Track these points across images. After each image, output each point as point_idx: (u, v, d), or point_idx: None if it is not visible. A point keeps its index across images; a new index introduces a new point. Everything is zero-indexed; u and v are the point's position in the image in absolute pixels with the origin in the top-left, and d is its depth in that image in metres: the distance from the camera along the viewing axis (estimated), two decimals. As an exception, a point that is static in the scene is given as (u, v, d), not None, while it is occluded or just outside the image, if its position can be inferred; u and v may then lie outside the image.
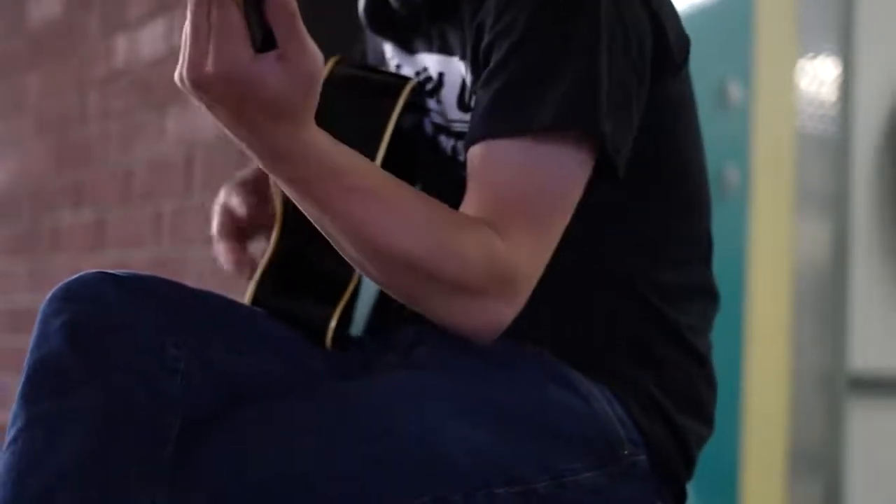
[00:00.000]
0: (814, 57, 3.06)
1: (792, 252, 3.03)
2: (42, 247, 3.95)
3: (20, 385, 1.24)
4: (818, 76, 3.06)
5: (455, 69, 1.46)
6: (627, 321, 1.44)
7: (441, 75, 1.48)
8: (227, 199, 1.56)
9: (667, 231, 1.47)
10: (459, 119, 1.46)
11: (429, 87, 1.51)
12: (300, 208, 1.28)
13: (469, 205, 1.33)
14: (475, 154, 1.35)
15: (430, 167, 1.52)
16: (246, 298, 1.48)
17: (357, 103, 1.48)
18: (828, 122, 3.07)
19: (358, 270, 1.38)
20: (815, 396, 3.03)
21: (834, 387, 3.06)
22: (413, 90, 1.48)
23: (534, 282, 1.33)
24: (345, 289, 1.44)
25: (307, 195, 1.26)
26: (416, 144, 1.52)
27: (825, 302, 3.07)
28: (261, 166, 1.25)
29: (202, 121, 3.01)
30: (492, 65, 1.36)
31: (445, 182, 1.47)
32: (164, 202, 3.20)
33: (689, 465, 1.46)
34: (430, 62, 1.50)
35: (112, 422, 1.21)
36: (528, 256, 1.32)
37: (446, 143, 1.49)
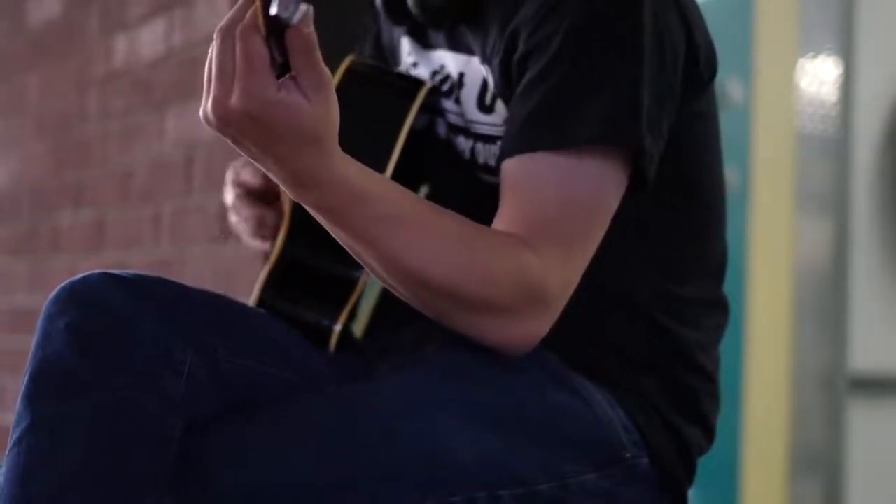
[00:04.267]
0: (814, 57, 3.06)
1: (792, 252, 3.02)
2: (42, 247, 3.94)
3: (24, 385, 1.24)
4: (818, 76, 3.05)
5: (475, 70, 1.45)
6: (636, 335, 1.43)
7: (461, 75, 1.47)
8: (236, 175, 1.56)
9: (684, 247, 1.47)
10: (479, 120, 1.45)
11: (445, 87, 1.49)
12: (331, 233, 1.28)
13: (503, 218, 1.33)
14: (512, 167, 1.34)
15: (445, 168, 1.51)
16: (251, 299, 1.47)
17: (372, 105, 1.46)
18: (828, 122, 3.06)
19: (381, 284, 1.37)
20: (815, 396, 3.03)
21: (834, 387, 3.06)
22: (428, 92, 1.47)
23: (567, 297, 1.34)
24: (351, 293, 1.44)
25: (335, 222, 1.27)
26: (430, 144, 1.50)
27: (825, 302, 3.07)
28: (289, 195, 1.25)
29: (202, 121, 3.01)
30: (529, 76, 1.35)
31: (462, 183, 1.46)
32: (163, 202, 3.20)
33: (689, 471, 1.46)
34: (449, 61, 1.49)
35: (117, 425, 1.21)
36: (562, 273, 1.32)
37: (464, 144, 1.47)
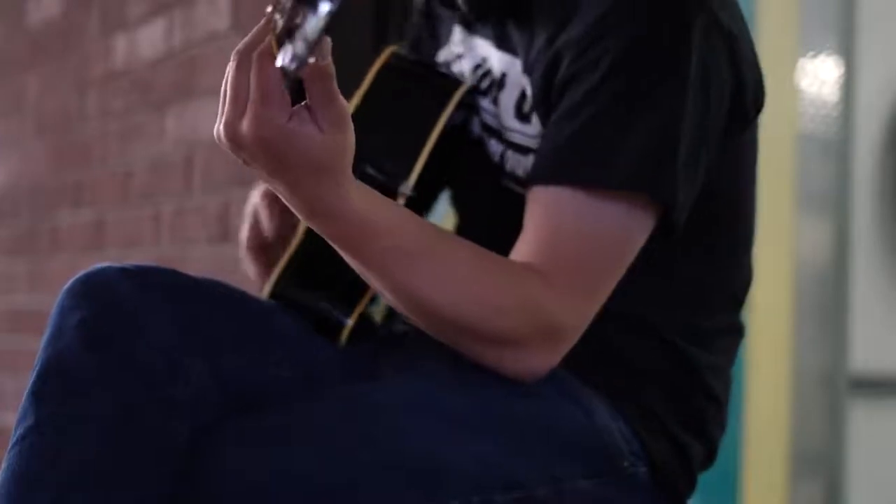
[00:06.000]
0: (815, 57, 3.05)
1: (792, 252, 3.02)
2: (41, 247, 3.94)
3: (32, 379, 1.23)
4: (819, 76, 3.05)
5: (517, 74, 1.43)
6: (645, 349, 1.42)
7: (503, 76, 1.45)
8: (257, 205, 1.55)
9: (710, 283, 1.45)
10: (514, 128, 1.43)
11: (485, 85, 1.47)
12: (345, 259, 1.28)
13: (525, 245, 1.32)
14: (540, 195, 1.33)
15: (473, 169, 1.49)
16: (266, 288, 1.47)
17: (407, 101, 1.45)
18: (828, 122, 3.06)
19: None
20: (815, 397, 3.03)
21: (835, 387, 3.05)
22: (466, 92, 1.45)
23: (580, 332, 1.33)
24: (365, 290, 1.43)
25: (346, 251, 1.26)
26: (461, 143, 1.48)
27: (826, 302, 3.06)
28: (301, 219, 1.24)
29: (202, 121, 3.01)
30: (569, 101, 1.33)
31: (488, 187, 1.45)
32: (163, 202, 3.19)
33: (690, 481, 1.45)
34: (494, 58, 1.47)
35: (123, 428, 1.21)
36: (576, 310, 1.32)
37: (495, 147, 1.45)
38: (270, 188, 1.22)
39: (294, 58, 1.03)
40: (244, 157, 1.18)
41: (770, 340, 2.93)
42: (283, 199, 1.22)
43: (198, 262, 2.94)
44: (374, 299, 1.46)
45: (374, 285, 1.31)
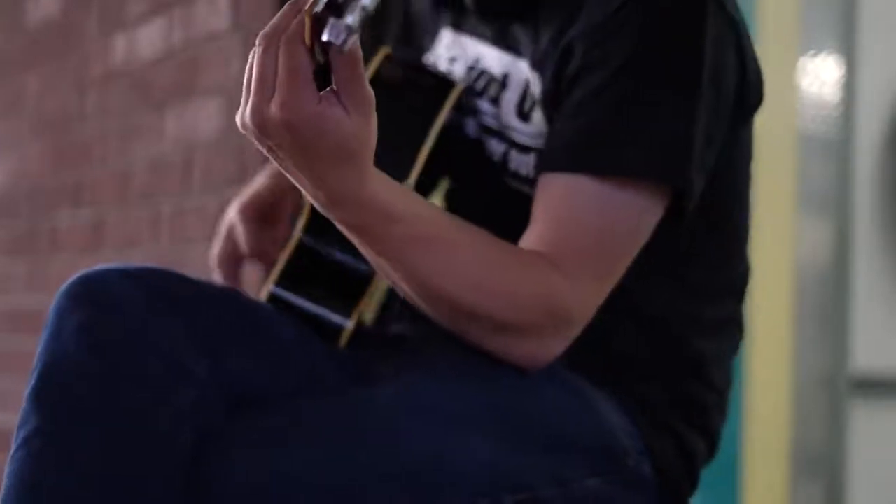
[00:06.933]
0: (815, 56, 3.05)
1: (793, 253, 3.02)
2: (41, 247, 3.94)
3: (32, 382, 1.22)
4: (820, 76, 3.04)
5: (521, 73, 1.43)
6: (646, 344, 1.43)
7: (505, 77, 1.44)
8: (234, 222, 1.54)
9: (711, 275, 1.46)
10: (516, 127, 1.43)
11: (481, 85, 1.47)
12: (359, 250, 1.28)
13: (535, 234, 1.32)
14: (552, 184, 1.33)
15: (473, 169, 1.48)
16: (263, 293, 1.46)
17: (404, 103, 1.45)
18: (829, 122, 3.06)
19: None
20: (816, 397, 3.03)
21: (836, 388, 3.05)
22: (461, 93, 1.45)
23: (588, 318, 1.33)
24: (364, 291, 1.42)
25: (364, 240, 1.25)
26: (455, 141, 1.48)
27: (827, 303, 3.06)
28: (318, 209, 1.23)
29: (201, 121, 3.00)
30: (581, 93, 1.33)
31: (489, 186, 1.45)
32: (162, 202, 3.19)
33: (693, 478, 1.46)
34: (491, 57, 1.46)
35: (128, 433, 1.20)
36: (587, 296, 1.32)
37: (497, 147, 1.45)
38: (292, 178, 1.20)
39: (345, 29, 1.02)
40: (269, 145, 1.15)
41: (770, 341, 2.93)
42: (304, 189, 1.20)
43: (197, 262, 2.93)
44: (363, 324, 1.46)
45: (389, 274, 1.30)
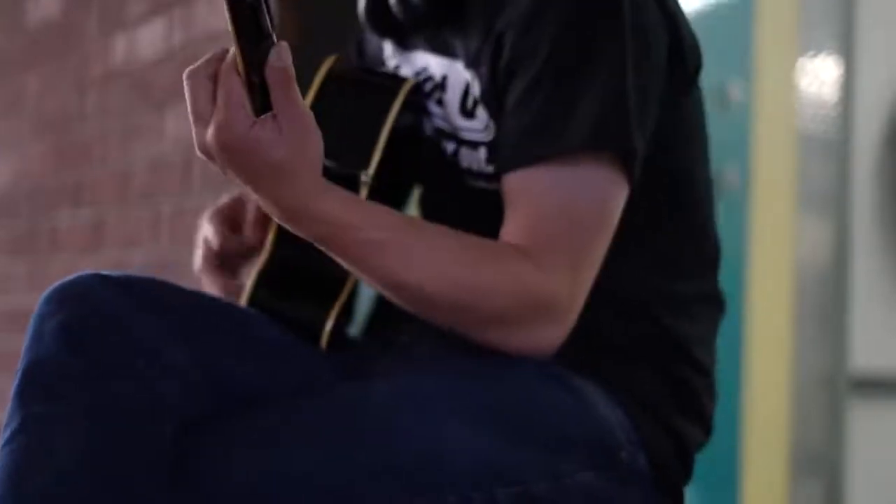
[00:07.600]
0: (814, 56, 3.05)
1: (792, 252, 3.02)
2: (41, 247, 3.94)
3: (15, 383, 1.24)
4: (819, 76, 3.05)
5: (458, 74, 1.46)
6: (632, 331, 1.44)
7: (444, 78, 1.48)
8: (205, 229, 1.56)
9: (678, 242, 1.48)
10: (462, 126, 1.45)
11: (428, 88, 1.50)
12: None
13: (507, 232, 1.35)
14: (511, 182, 1.36)
15: (435, 170, 1.51)
16: (243, 299, 1.47)
17: (355, 103, 1.47)
18: (828, 122, 3.06)
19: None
20: (816, 397, 3.03)
21: (835, 388, 3.05)
22: (412, 90, 1.47)
23: (579, 305, 1.35)
24: (340, 290, 1.44)
25: (330, 249, 1.30)
26: (418, 143, 1.51)
27: (826, 302, 3.06)
28: (281, 224, 1.29)
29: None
30: (519, 87, 1.36)
31: (451, 186, 1.47)
32: (162, 202, 3.19)
33: (687, 468, 1.46)
34: (432, 63, 1.50)
35: (109, 425, 1.21)
36: (565, 280, 1.33)
37: (450, 147, 1.48)
38: (245, 195, 1.27)
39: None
40: (219, 165, 1.23)
41: (770, 341, 2.93)
42: (261, 204, 1.26)
43: (197, 262, 2.94)
44: (348, 316, 1.47)
45: (364, 279, 1.33)
